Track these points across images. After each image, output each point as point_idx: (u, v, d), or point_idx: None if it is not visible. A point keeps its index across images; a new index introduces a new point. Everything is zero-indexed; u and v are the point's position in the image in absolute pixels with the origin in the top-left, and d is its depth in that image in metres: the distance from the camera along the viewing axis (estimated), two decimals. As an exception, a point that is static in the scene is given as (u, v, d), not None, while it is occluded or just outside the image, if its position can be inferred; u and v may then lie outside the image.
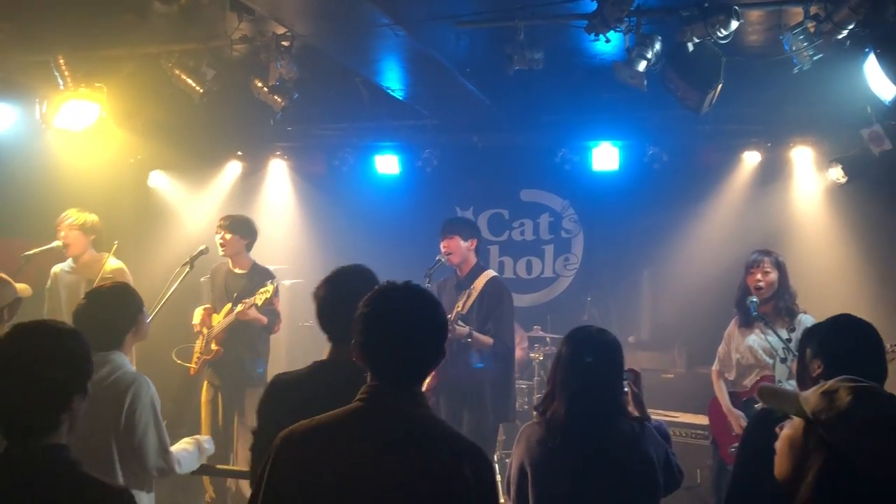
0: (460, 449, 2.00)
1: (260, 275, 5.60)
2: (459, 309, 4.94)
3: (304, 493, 1.93)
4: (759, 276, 4.53)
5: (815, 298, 4.99)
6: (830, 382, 1.78)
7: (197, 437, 3.58)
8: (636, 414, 2.97)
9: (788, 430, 1.83)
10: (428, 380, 4.95)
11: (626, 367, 2.94)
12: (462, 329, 4.84)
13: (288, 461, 1.98)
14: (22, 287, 3.89)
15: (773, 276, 4.55)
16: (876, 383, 2.35)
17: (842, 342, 2.47)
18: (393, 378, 2.04)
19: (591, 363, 2.81)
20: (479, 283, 5.07)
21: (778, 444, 1.84)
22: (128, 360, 3.27)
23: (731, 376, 4.75)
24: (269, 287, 5.29)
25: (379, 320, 2.05)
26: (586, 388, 2.81)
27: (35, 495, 1.90)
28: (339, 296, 2.66)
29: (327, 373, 2.64)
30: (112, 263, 5.65)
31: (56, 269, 5.72)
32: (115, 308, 3.26)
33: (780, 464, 1.83)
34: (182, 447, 3.37)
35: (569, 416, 2.79)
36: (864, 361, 2.39)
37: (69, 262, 5.69)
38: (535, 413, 2.98)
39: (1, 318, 3.46)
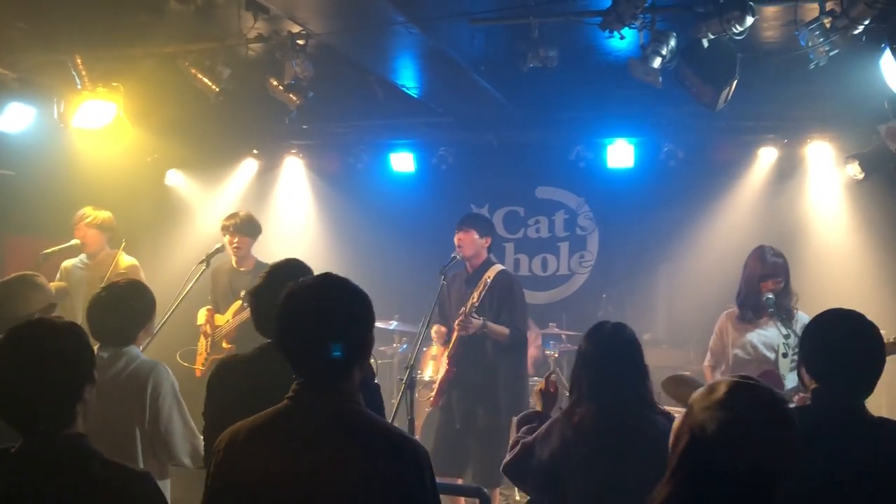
0: (377, 444, 1.94)
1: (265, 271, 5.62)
2: (474, 301, 4.96)
3: (226, 499, 1.96)
4: (772, 286, 4.52)
5: (830, 294, 4.94)
6: (723, 378, 1.84)
7: None
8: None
9: (678, 418, 1.90)
10: (441, 374, 5.05)
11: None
12: (476, 321, 4.86)
13: (217, 465, 2.00)
14: (57, 285, 3.92)
15: (783, 283, 4.56)
16: (869, 372, 2.39)
17: (831, 337, 2.47)
18: (313, 375, 2.00)
19: (612, 362, 2.85)
20: (489, 275, 5.09)
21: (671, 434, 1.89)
22: (140, 352, 3.31)
23: (723, 371, 4.75)
24: None
25: (291, 318, 2.01)
26: (612, 387, 2.85)
27: (61, 484, 1.94)
28: (271, 295, 2.44)
29: (272, 356, 2.54)
30: (126, 260, 5.71)
31: (67, 263, 5.75)
32: (130, 304, 3.30)
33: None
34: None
35: (600, 417, 2.81)
36: (855, 354, 2.40)
37: (82, 257, 5.74)
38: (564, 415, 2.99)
39: None
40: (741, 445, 1.67)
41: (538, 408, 3.32)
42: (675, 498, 1.75)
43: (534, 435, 3.00)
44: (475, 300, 4.97)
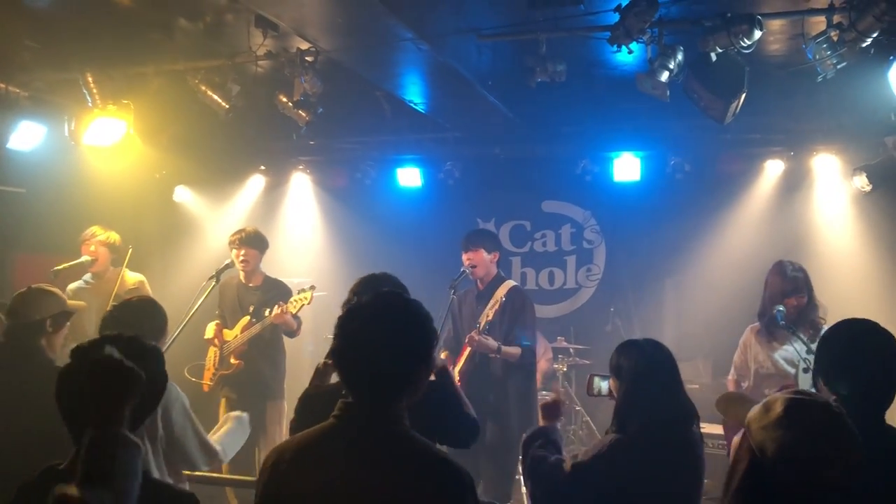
0: (422, 466, 1.94)
1: (274, 287, 5.65)
2: (489, 318, 4.96)
3: None
4: (794, 302, 4.49)
5: (840, 307, 4.93)
6: (776, 394, 1.81)
7: (230, 414, 3.65)
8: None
9: (737, 436, 1.89)
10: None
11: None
12: (492, 343, 4.86)
13: (263, 482, 1.99)
14: (75, 304, 3.96)
15: (805, 298, 4.53)
16: (887, 383, 2.35)
17: (848, 348, 2.42)
18: (363, 395, 1.98)
19: (659, 378, 2.89)
20: (500, 292, 5.09)
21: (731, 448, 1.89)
22: None
23: (748, 385, 4.72)
24: (308, 294, 5.38)
25: (348, 337, 2.00)
26: (664, 402, 2.88)
27: None
28: None
29: None
30: (132, 276, 5.74)
31: (72, 286, 5.73)
32: (144, 321, 3.30)
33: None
34: (223, 432, 3.47)
35: (656, 432, 2.83)
36: (872, 365, 2.35)
37: (86, 277, 5.76)
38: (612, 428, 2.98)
39: (43, 328, 3.49)
40: (804, 464, 1.65)
41: (541, 422, 3.31)
42: None
43: (572, 457, 2.96)
44: (489, 317, 4.97)
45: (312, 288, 5.46)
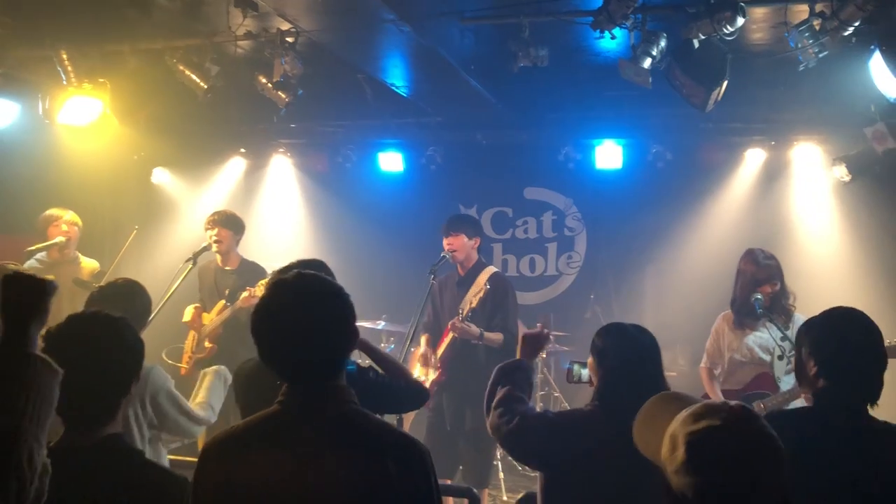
0: (383, 445, 1.88)
1: (250, 271, 5.59)
2: (472, 306, 4.93)
3: None
4: (769, 290, 4.49)
5: (819, 297, 4.94)
6: (679, 420, 1.57)
7: (207, 370, 3.66)
8: None
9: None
10: (432, 376, 5.02)
11: None
12: (474, 330, 4.83)
13: (205, 476, 1.89)
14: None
15: (779, 286, 4.54)
16: (872, 373, 2.32)
17: (832, 337, 2.40)
18: (300, 379, 1.91)
19: (641, 363, 2.82)
20: (482, 279, 5.06)
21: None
22: None
23: (719, 373, 4.74)
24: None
25: (267, 325, 1.91)
26: (641, 387, 2.79)
27: (101, 480, 1.93)
28: None
29: None
30: (89, 262, 5.69)
31: (26, 266, 5.54)
32: (130, 300, 3.29)
33: None
34: (205, 388, 3.49)
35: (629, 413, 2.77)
36: (856, 354, 2.34)
37: (41, 256, 5.63)
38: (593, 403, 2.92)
39: None
40: (731, 499, 1.48)
41: (518, 354, 3.19)
42: None
43: (545, 413, 2.91)
44: (473, 304, 4.94)
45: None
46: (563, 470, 2.80)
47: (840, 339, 2.38)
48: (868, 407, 2.34)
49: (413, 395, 3.15)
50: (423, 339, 5.14)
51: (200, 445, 5.99)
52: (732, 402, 1.57)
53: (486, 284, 4.98)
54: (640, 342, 2.87)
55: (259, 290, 5.32)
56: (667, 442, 1.56)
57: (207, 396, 3.49)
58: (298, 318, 1.89)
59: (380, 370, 3.09)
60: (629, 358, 2.82)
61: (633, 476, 2.60)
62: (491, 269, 5.19)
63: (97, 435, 1.99)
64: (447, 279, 5.31)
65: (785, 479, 1.50)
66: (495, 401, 2.98)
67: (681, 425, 1.55)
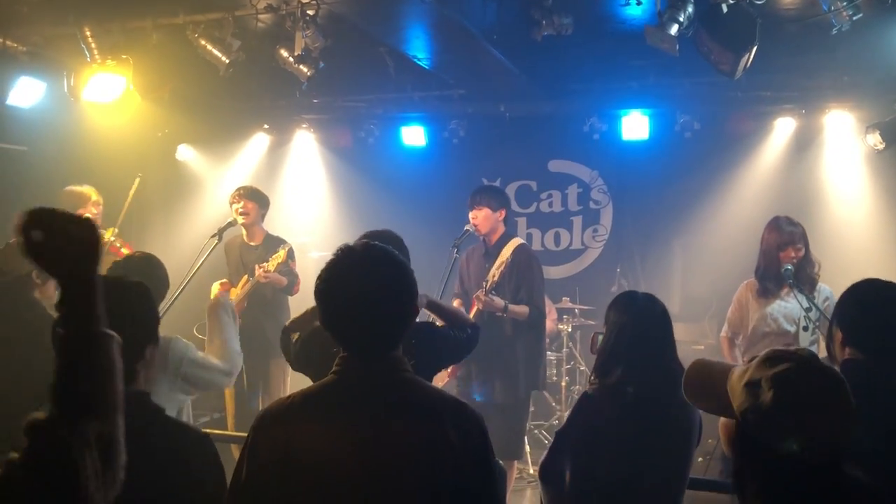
0: (441, 410, 1.90)
1: (274, 244, 5.64)
2: (494, 279, 4.90)
3: (279, 477, 1.84)
4: (792, 254, 4.43)
5: (851, 267, 4.88)
6: (753, 368, 1.59)
7: (209, 307, 3.58)
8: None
9: (724, 421, 1.66)
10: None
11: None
12: (498, 302, 4.80)
13: (262, 444, 1.90)
14: None
15: (803, 251, 4.46)
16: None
17: (858, 306, 2.41)
18: (360, 348, 1.94)
19: (649, 334, 2.82)
20: (507, 250, 5.02)
21: (721, 434, 1.68)
22: None
23: (740, 342, 4.70)
24: (281, 252, 5.42)
25: (332, 292, 1.95)
26: (651, 359, 2.80)
27: (127, 439, 1.94)
28: None
29: None
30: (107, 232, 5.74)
31: None
32: (150, 273, 3.28)
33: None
34: (218, 336, 3.41)
35: (638, 387, 2.76)
36: (884, 326, 2.33)
37: None
38: (592, 378, 2.94)
39: (31, 280, 3.50)
40: (792, 427, 1.51)
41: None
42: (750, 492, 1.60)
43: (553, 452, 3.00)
44: (495, 277, 4.91)
45: (284, 246, 5.52)
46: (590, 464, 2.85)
47: (881, 308, 2.37)
48: None
49: (473, 342, 3.41)
50: (455, 304, 5.15)
51: (227, 394, 6.02)
52: (791, 347, 1.62)
53: (509, 256, 4.95)
54: (647, 310, 2.85)
55: (270, 264, 5.35)
56: (742, 392, 1.57)
57: (225, 340, 3.42)
58: (362, 288, 1.92)
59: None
60: (631, 324, 2.82)
61: (643, 444, 2.62)
62: (516, 241, 5.14)
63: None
64: (474, 250, 5.28)
65: (847, 416, 1.54)
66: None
67: (757, 370, 1.57)
